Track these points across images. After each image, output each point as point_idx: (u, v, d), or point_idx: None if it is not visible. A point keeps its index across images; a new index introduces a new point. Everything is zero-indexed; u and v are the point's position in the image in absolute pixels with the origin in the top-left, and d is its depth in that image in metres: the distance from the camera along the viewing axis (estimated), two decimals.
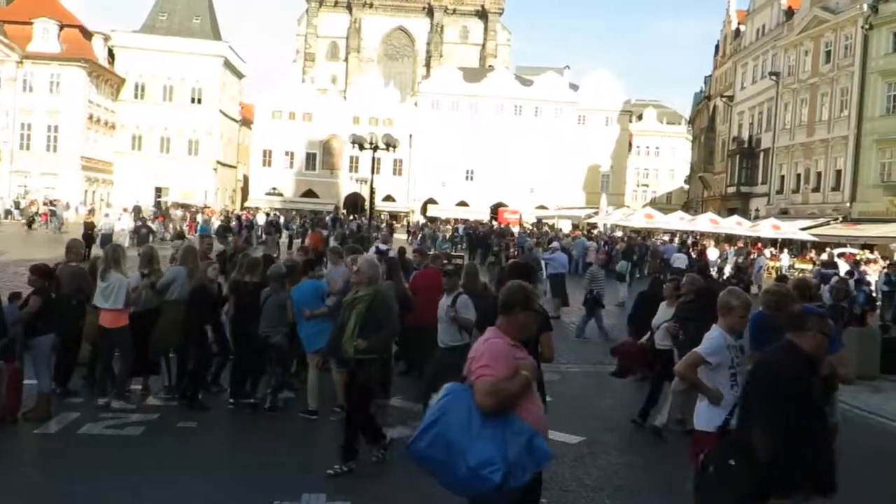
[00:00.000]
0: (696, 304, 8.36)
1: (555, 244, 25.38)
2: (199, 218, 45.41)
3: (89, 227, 27.45)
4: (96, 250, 20.14)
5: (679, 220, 41.59)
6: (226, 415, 8.54)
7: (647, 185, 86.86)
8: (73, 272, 9.14)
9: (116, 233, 28.32)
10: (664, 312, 8.94)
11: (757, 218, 45.09)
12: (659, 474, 7.36)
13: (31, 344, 8.03)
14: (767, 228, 37.03)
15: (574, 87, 74.99)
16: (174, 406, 8.70)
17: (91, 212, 45.80)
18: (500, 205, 67.88)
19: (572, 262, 27.41)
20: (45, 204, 48.66)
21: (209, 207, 57.80)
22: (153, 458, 7.05)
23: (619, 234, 42.51)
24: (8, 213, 44.30)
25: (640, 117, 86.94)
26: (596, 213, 53.46)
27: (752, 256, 30.39)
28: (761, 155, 51.41)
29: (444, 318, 7.83)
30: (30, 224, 41.36)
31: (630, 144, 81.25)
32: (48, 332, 8.03)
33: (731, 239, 38.40)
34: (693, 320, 7.96)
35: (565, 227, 52.51)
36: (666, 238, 39.22)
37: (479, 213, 64.92)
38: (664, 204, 73.89)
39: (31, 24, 60.02)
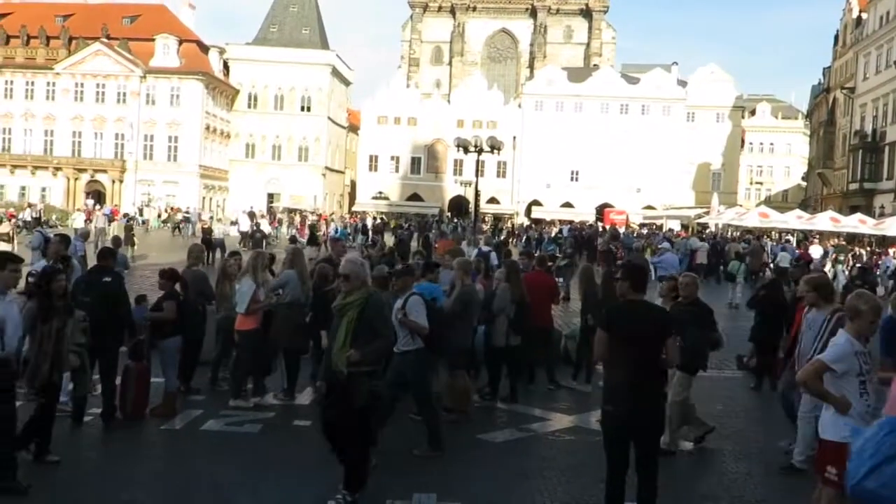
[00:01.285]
0: (692, 307, 7.82)
1: (664, 245, 24.74)
2: (310, 220, 46.83)
3: (207, 233, 28.76)
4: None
5: (796, 219, 39.72)
6: None
7: (760, 183, 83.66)
8: (195, 275, 9.56)
9: (257, 237, 29.68)
10: None
11: (882, 215, 42.59)
12: (779, 482, 7.05)
13: (159, 344, 8.46)
14: (895, 227, 34.89)
15: (682, 83, 73.02)
16: (290, 405, 8.96)
17: (210, 219, 48.15)
18: (605, 205, 66.74)
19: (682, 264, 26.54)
20: (170, 211, 51.47)
21: (322, 213, 59.46)
22: (270, 454, 7.28)
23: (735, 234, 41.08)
24: (132, 218, 47.16)
25: (752, 113, 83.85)
26: (707, 213, 51.85)
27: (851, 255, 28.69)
28: (886, 149, 48.55)
29: (395, 322, 7.33)
30: (176, 230, 44.22)
31: (742, 141, 78.44)
32: (177, 335, 8.44)
33: (853, 238, 36.44)
34: (690, 324, 7.51)
35: (674, 227, 51.20)
36: (790, 238, 37.68)
37: (584, 214, 64.11)
38: (779, 202, 71.05)
39: (152, 40, 63.48)
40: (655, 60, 79.00)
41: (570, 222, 53.44)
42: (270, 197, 68.63)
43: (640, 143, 68.30)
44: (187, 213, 48.51)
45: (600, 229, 42.76)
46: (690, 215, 55.46)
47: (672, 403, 7.51)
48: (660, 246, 26.60)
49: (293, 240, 26.90)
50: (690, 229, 48.10)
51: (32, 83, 64.86)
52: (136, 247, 26.88)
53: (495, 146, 27.23)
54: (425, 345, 7.47)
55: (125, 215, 44.73)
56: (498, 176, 69.30)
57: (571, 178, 70.86)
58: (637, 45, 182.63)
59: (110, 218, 40.65)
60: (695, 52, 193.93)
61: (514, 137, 67.52)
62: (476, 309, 8.96)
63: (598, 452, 5.85)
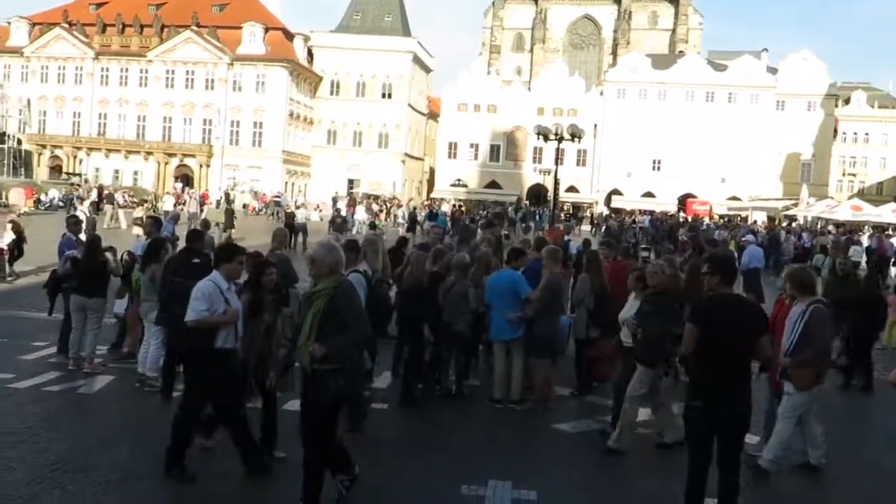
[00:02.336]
0: (660, 298, 7.35)
1: (748, 237, 24.07)
2: (400, 208, 47.40)
3: (290, 218, 29.43)
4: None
5: (891, 213, 38.09)
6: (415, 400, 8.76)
7: (853, 175, 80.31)
8: (279, 259, 9.81)
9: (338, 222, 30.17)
10: (631, 305, 7.84)
11: None
12: (866, 485, 6.81)
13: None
14: None
15: (772, 70, 70.66)
16: (369, 388, 9.07)
17: (301, 204, 49.54)
18: (688, 195, 65.34)
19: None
20: (252, 195, 52.94)
21: (396, 198, 60.03)
22: (354, 434, 7.43)
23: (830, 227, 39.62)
24: (232, 201, 48.65)
25: (847, 101, 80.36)
26: (795, 205, 50.16)
27: None
28: None
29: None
30: (273, 215, 46.08)
31: (835, 131, 75.42)
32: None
33: None
34: (655, 315, 7.18)
35: (760, 218, 49.75)
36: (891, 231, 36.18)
37: (665, 204, 62.85)
38: (873, 195, 68.13)
39: (240, 28, 65.11)
40: (744, 47, 76.68)
41: (651, 212, 52.53)
42: (350, 183, 69.57)
43: (725, 131, 66.55)
44: (277, 197, 50.06)
45: (681, 220, 41.90)
46: (778, 207, 53.77)
47: (628, 399, 7.23)
48: (744, 238, 25.91)
49: (373, 226, 27.30)
50: (777, 221, 46.65)
51: (126, 70, 67.45)
52: (234, 229, 27.85)
53: (576, 134, 26.91)
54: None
55: (226, 199, 46.44)
56: (578, 164, 68.59)
57: (653, 168, 69.60)
58: (725, 32, 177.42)
59: (201, 202, 42.04)
60: (786, 38, 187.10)
61: (595, 125, 66.71)
62: (562, 298, 8.89)
63: (676, 446, 5.76)
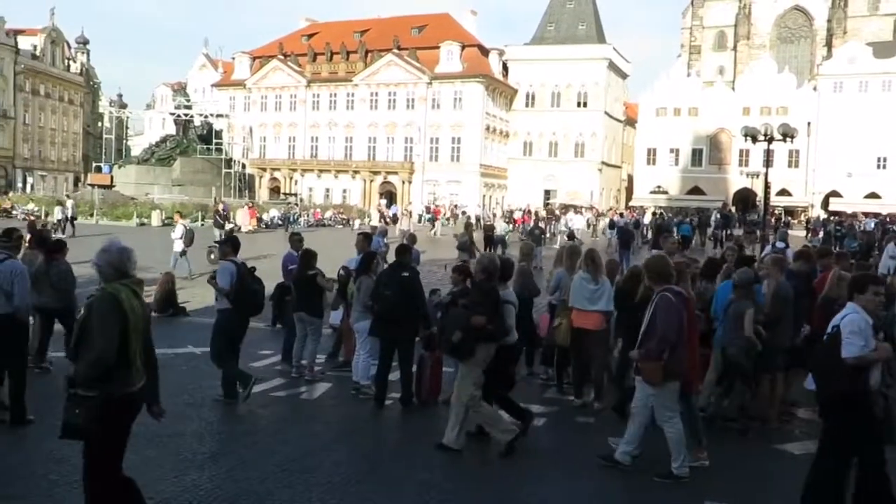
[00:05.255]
0: (473, 290, 6.98)
1: None
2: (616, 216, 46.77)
3: (489, 230, 29.93)
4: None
5: None
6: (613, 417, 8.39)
7: None
8: (522, 271, 10.09)
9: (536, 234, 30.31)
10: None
11: None
12: None
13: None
14: None
15: None
16: (567, 402, 8.99)
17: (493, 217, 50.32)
18: None
19: None
20: (452, 209, 54.39)
21: (594, 207, 59.29)
22: (553, 448, 7.40)
23: None
24: (467, 214, 50.13)
25: None
26: None
27: None
28: None
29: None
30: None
31: None
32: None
33: None
34: (455, 306, 6.96)
35: None
36: None
37: (893, 205, 57.31)
38: None
39: (437, 48, 67.39)
40: None
41: (877, 215, 48.14)
42: (547, 193, 69.66)
43: None
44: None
45: None
46: None
47: (467, 407, 6.98)
48: None
49: (571, 236, 27.08)
50: None
51: (335, 95, 71.95)
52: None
53: (787, 133, 25.19)
54: (233, 306, 8.39)
55: (463, 213, 48.35)
56: (790, 166, 64.42)
57: (878, 166, 63.89)
58: None
59: (433, 217, 44.04)
60: None
61: (809, 123, 62.32)
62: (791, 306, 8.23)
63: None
